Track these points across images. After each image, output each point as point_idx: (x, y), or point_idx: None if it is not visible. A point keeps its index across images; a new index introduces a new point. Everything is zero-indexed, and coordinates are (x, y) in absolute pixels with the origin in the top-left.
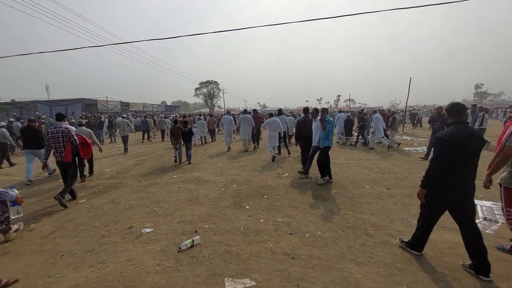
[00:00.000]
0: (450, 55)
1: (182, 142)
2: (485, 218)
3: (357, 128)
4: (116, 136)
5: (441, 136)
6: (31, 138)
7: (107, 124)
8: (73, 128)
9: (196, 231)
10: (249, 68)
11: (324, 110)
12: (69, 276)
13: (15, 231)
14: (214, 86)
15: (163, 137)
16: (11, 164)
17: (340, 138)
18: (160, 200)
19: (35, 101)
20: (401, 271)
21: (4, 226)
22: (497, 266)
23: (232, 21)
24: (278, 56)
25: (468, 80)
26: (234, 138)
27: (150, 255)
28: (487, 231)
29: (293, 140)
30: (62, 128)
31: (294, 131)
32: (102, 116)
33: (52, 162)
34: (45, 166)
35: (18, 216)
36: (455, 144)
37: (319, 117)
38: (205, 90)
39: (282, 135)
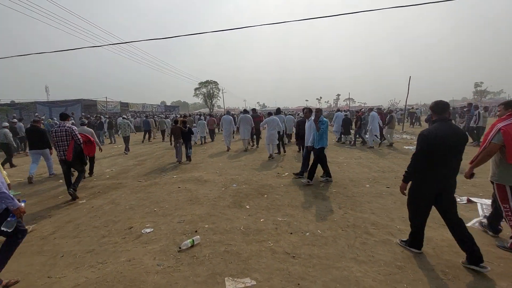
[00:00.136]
0: (450, 53)
1: (182, 142)
2: (485, 216)
3: (355, 128)
4: (119, 135)
5: (423, 133)
6: (37, 139)
7: (107, 125)
8: (86, 129)
9: (196, 231)
10: (248, 68)
11: (318, 111)
12: (69, 277)
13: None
14: (213, 86)
15: (163, 137)
16: (12, 165)
17: (340, 139)
18: (160, 200)
19: (34, 102)
20: (402, 269)
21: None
22: (497, 264)
23: (232, 21)
24: (278, 56)
25: (467, 78)
26: (233, 138)
27: (150, 255)
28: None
29: (293, 139)
30: (65, 128)
31: (294, 130)
32: (102, 116)
33: (56, 164)
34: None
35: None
36: (436, 141)
37: (312, 117)
38: (204, 90)
39: (281, 134)
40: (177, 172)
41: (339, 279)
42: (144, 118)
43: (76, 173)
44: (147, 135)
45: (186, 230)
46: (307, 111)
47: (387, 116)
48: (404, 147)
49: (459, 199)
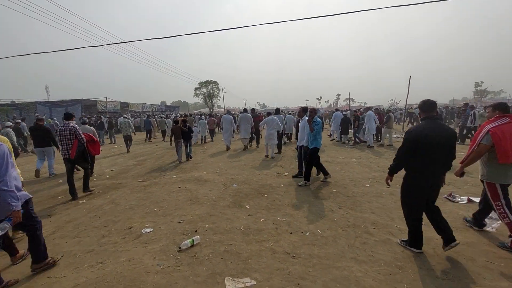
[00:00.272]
0: (450, 53)
1: (183, 141)
2: (505, 224)
3: (353, 127)
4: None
5: (409, 130)
6: (41, 137)
7: (107, 125)
8: (87, 128)
9: (196, 231)
10: (248, 68)
11: (312, 111)
12: (69, 277)
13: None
14: (213, 86)
15: (163, 137)
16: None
17: (340, 138)
18: (160, 200)
19: (34, 102)
20: (402, 269)
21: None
22: (498, 264)
23: (231, 21)
24: (278, 56)
25: (468, 78)
26: (233, 137)
27: (150, 255)
28: (488, 229)
29: (294, 139)
30: (69, 127)
31: (294, 130)
32: (102, 116)
33: (57, 164)
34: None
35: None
36: (421, 139)
37: (306, 117)
38: (204, 90)
39: (280, 133)
40: (177, 172)
41: (339, 279)
42: (146, 117)
43: (78, 173)
44: (149, 135)
45: (186, 230)
46: (301, 110)
47: (385, 116)
48: None
49: (459, 199)
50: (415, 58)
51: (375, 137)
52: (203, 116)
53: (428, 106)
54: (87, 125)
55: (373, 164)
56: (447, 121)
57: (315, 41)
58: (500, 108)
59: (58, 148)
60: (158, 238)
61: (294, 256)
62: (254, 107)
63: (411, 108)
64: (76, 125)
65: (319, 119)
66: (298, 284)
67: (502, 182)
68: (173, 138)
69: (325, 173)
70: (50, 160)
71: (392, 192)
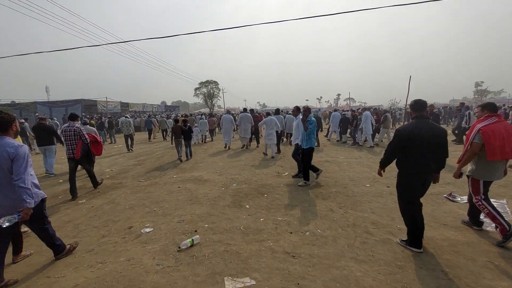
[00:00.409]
0: (450, 53)
1: (183, 140)
2: (485, 216)
3: (351, 127)
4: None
5: (398, 128)
6: (44, 135)
7: (107, 125)
8: (89, 128)
9: (196, 231)
10: (249, 68)
11: (306, 110)
12: (69, 276)
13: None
14: (213, 86)
15: (163, 137)
16: None
17: (341, 138)
18: (160, 200)
19: (35, 102)
20: (402, 269)
21: None
22: (498, 263)
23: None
24: (278, 56)
25: (468, 78)
26: (233, 137)
27: (149, 254)
28: (488, 228)
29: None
30: (74, 128)
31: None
32: (103, 117)
33: (57, 164)
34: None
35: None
36: (409, 137)
37: (300, 116)
38: (204, 90)
39: (279, 133)
40: (177, 172)
41: (339, 279)
42: (147, 117)
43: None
44: (151, 134)
45: (186, 229)
46: (295, 109)
47: (382, 116)
48: None
49: (459, 199)
50: (416, 58)
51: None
52: (203, 116)
53: (419, 105)
54: (88, 126)
55: (373, 164)
56: (450, 120)
57: (316, 41)
58: (489, 108)
59: (62, 144)
60: (157, 238)
61: (294, 256)
62: (254, 107)
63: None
64: (81, 126)
65: (313, 118)
66: (298, 284)
67: (486, 179)
68: (173, 137)
69: (316, 170)
70: (50, 159)
71: (392, 192)
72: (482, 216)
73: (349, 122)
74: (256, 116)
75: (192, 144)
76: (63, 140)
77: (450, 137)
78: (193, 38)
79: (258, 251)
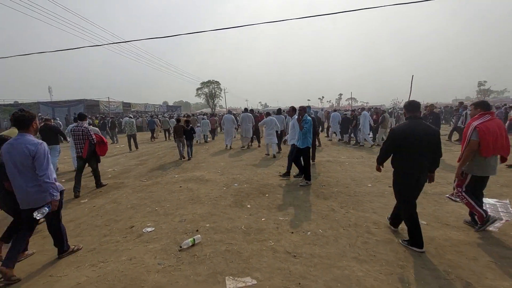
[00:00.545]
0: (453, 52)
1: (185, 140)
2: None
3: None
4: (124, 134)
5: (393, 128)
6: (49, 135)
7: (110, 125)
8: (92, 128)
9: (197, 230)
10: (250, 68)
11: (302, 109)
12: (71, 275)
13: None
14: (215, 86)
15: (165, 137)
16: None
17: (342, 138)
18: (161, 199)
19: (37, 103)
20: (404, 269)
21: None
22: (501, 263)
23: (232, 21)
24: (280, 56)
25: (471, 77)
26: (235, 137)
27: (151, 254)
28: (490, 228)
29: None
30: (82, 128)
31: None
32: (106, 117)
33: (59, 164)
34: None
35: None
36: (403, 136)
37: (295, 116)
38: (206, 90)
39: (279, 133)
40: (179, 172)
41: (340, 279)
42: (150, 118)
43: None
44: (154, 134)
45: (187, 229)
46: (291, 109)
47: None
48: None
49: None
50: (418, 57)
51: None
52: (205, 116)
53: (412, 106)
54: (91, 126)
55: (375, 163)
56: (452, 120)
57: (317, 41)
58: (482, 106)
59: (66, 140)
60: (159, 237)
61: (295, 256)
62: (256, 107)
63: None
64: (89, 126)
65: (309, 118)
66: (299, 283)
67: (476, 174)
68: (175, 137)
69: (301, 172)
70: (53, 158)
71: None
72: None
73: (349, 122)
74: (257, 116)
75: (194, 143)
76: (68, 139)
77: (447, 137)
78: (194, 38)
79: (259, 250)
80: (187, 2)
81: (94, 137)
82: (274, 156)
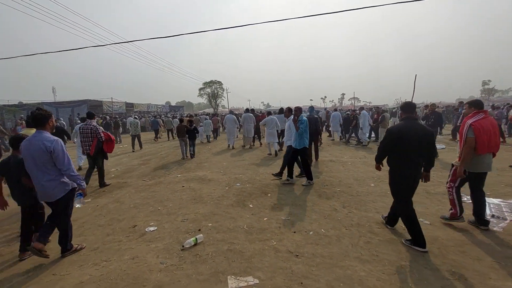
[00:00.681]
0: (457, 51)
1: (188, 140)
2: (493, 216)
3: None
4: (127, 134)
5: (390, 128)
6: (55, 135)
7: (114, 125)
8: (101, 127)
9: (199, 230)
10: (252, 68)
11: (297, 110)
12: (74, 274)
13: None
14: (217, 86)
15: (168, 136)
16: None
17: (344, 137)
18: (164, 199)
19: (41, 103)
20: (406, 269)
21: None
22: (505, 263)
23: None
24: (281, 56)
25: (475, 77)
26: (237, 136)
27: (153, 253)
28: (495, 228)
29: None
30: (91, 126)
31: None
32: (108, 117)
33: None
34: None
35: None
36: (399, 135)
37: (292, 117)
38: (209, 90)
39: (279, 132)
40: (181, 171)
41: (343, 278)
42: (153, 118)
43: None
44: (157, 134)
45: (190, 228)
46: (287, 110)
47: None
48: None
49: (465, 198)
50: (421, 55)
51: (370, 136)
52: (207, 116)
53: (408, 107)
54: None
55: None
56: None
57: (318, 40)
58: (475, 105)
59: (70, 139)
60: (161, 237)
61: (297, 255)
62: (258, 107)
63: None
64: (97, 125)
65: (304, 118)
66: (301, 283)
67: (471, 171)
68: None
69: (291, 175)
70: None
71: None
72: (487, 216)
73: (350, 121)
74: (258, 115)
75: (198, 143)
76: (75, 139)
77: (451, 137)
78: (197, 39)
79: (261, 250)
80: (189, 3)
81: (102, 135)
82: (276, 154)
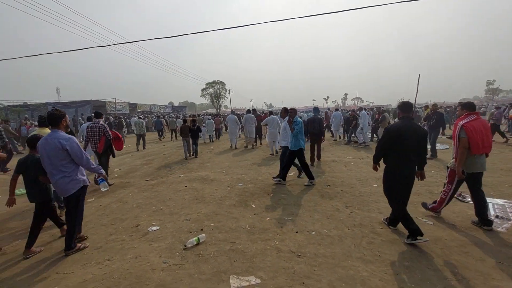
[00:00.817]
0: (457, 51)
1: (190, 139)
2: (497, 216)
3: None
4: (130, 134)
5: (388, 127)
6: None
7: (118, 125)
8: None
9: (201, 229)
10: (255, 68)
11: (292, 111)
12: (77, 273)
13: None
14: (220, 87)
15: (171, 137)
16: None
17: (346, 136)
18: (166, 199)
19: (46, 103)
20: (409, 269)
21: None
22: (508, 264)
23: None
24: (283, 56)
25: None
26: (239, 136)
27: (156, 252)
28: (499, 229)
29: None
30: (99, 125)
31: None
32: (111, 117)
33: None
34: None
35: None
36: (396, 134)
37: (287, 118)
38: (211, 90)
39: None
40: (184, 171)
41: (345, 278)
42: (157, 118)
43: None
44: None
45: (192, 228)
46: (283, 111)
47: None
48: None
49: (469, 199)
50: (421, 55)
51: (372, 137)
52: (210, 117)
53: (406, 107)
54: None
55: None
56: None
57: (318, 40)
58: (467, 107)
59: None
60: (164, 236)
61: (299, 255)
62: (261, 107)
63: (415, 107)
64: (105, 124)
65: (299, 119)
66: (303, 283)
67: (466, 171)
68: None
69: (284, 177)
70: None
71: None
72: (491, 216)
73: (350, 121)
74: (259, 115)
75: (200, 142)
76: (81, 139)
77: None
78: (199, 39)
79: (263, 250)
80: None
81: (110, 133)
82: (277, 152)
